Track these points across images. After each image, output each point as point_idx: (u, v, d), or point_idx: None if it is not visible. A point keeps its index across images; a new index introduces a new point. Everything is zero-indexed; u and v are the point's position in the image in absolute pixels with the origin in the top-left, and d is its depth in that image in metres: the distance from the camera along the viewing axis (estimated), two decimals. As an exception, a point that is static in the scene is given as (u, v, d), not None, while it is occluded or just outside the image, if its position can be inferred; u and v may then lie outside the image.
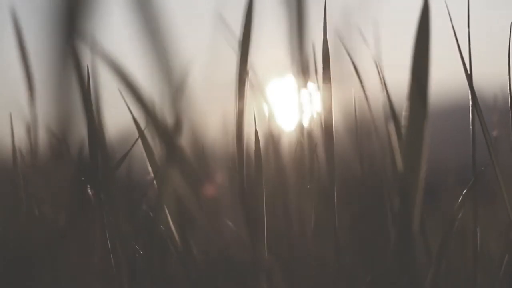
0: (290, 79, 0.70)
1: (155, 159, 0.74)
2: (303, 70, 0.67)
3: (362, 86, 0.71)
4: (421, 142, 0.63)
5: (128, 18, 0.48)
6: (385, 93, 0.73)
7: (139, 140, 0.75)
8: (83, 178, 0.68)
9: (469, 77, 0.73)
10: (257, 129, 0.73)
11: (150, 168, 0.74)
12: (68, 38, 0.43)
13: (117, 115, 0.77)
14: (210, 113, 0.70)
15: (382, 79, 0.73)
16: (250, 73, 0.76)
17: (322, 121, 0.70)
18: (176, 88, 0.52)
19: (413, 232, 0.65)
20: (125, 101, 0.73)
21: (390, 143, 0.67)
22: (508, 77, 0.74)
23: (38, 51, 0.44)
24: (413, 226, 0.65)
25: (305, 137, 0.73)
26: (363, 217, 0.71)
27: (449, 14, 0.72)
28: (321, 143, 0.71)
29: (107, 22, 0.45)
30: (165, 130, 0.60)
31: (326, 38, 0.70)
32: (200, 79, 0.61)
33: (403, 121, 0.63)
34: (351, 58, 0.71)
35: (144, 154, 0.74)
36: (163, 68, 0.50)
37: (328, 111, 0.70)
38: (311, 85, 0.70)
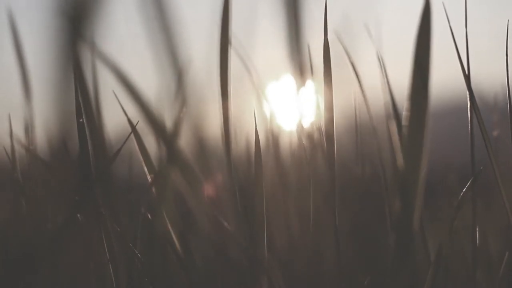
0: (289, 80, 0.70)
1: (151, 160, 0.74)
2: (302, 71, 0.67)
3: (361, 86, 0.71)
4: (421, 141, 0.63)
5: (135, 12, 0.48)
6: (386, 92, 0.73)
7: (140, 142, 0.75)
8: (81, 178, 0.68)
9: (467, 77, 0.73)
10: (258, 128, 0.74)
11: (146, 169, 0.74)
12: (69, 38, 0.43)
13: (118, 114, 0.77)
14: (211, 112, 0.70)
15: (384, 78, 0.73)
16: (250, 73, 0.76)
17: (323, 121, 0.70)
18: (180, 83, 0.52)
19: (413, 231, 0.65)
20: (119, 102, 0.73)
21: (391, 142, 0.67)
22: (506, 76, 0.75)
23: (38, 50, 0.45)
24: (413, 226, 0.66)
25: (305, 137, 0.73)
26: (363, 217, 0.71)
27: (447, 14, 0.72)
28: (322, 142, 0.71)
29: (107, 22, 0.45)
30: (164, 131, 0.60)
31: (327, 37, 0.70)
32: (202, 77, 0.61)
33: (403, 121, 0.63)
34: (350, 58, 0.71)
35: (140, 156, 0.74)
36: (170, 61, 0.50)
37: (329, 111, 0.70)
38: (311, 85, 0.70)
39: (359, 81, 0.71)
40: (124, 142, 0.75)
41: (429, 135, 0.63)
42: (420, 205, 0.65)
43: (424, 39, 0.61)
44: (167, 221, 0.72)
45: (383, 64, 0.74)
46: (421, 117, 0.62)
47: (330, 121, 0.70)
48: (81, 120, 0.67)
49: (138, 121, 0.74)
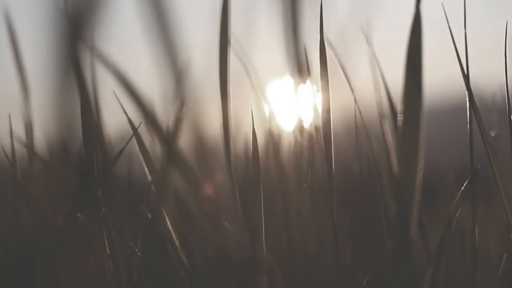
0: (288, 80, 0.70)
1: (151, 160, 0.74)
2: (300, 71, 0.67)
3: (351, 87, 0.71)
4: (417, 143, 0.63)
5: (135, 12, 0.48)
6: (382, 93, 0.73)
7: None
8: (82, 178, 0.68)
9: (466, 77, 0.74)
10: (256, 128, 0.74)
11: (147, 170, 0.74)
12: (68, 38, 0.43)
13: (117, 114, 0.77)
14: (211, 112, 0.70)
15: (379, 79, 0.73)
16: (249, 74, 0.77)
17: (320, 121, 0.71)
18: (179, 84, 0.52)
19: (411, 232, 0.65)
20: (119, 102, 0.73)
21: (386, 143, 0.67)
22: (505, 76, 0.75)
23: (36, 51, 0.45)
24: (411, 226, 0.66)
25: (304, 137, 0.73)
26: (361, 218, 0.71)
27: (446, 15, 0.73)
28: (320, 143, 0.71)
29: (106, 22, 0.45)
30: (163, 132, 0.60)
31: (323, 38, 0.70)
32: (201, 78, 0.62)
33: (398, 122, 0.63)
34: (340, 60, 0.71)
35: (141, 156, 0.74)
36: (169, 62, 0.50)
37: (326, 112, 0.70)
38: (308, 85, 0.70)
39: (349, 83, 0.71)
40: (127, 143, 0.75)
41: (424, 136, 0.63)
42: (417, 206, 0.65)
43: (415, 42, 0.62)
44: (167, 221, 0.72)
45: (378, 66, 0.74)
46: (416, 119, 0.62)
47: (327, 121, 0.70)
48: (84, 120, 0.68)
49: (139, 122, 0.74)
